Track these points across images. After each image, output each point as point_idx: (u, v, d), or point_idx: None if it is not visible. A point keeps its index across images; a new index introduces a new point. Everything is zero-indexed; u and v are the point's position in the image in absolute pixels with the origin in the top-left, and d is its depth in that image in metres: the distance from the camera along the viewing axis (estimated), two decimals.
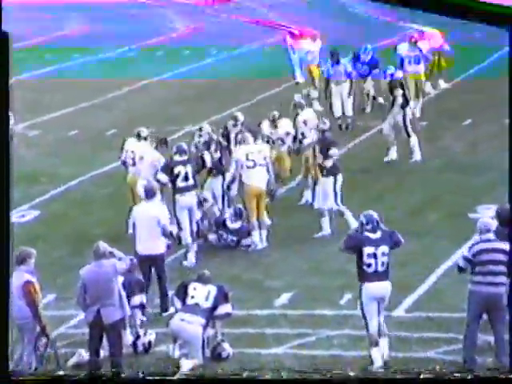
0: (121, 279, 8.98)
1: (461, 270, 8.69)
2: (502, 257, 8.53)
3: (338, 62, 16.89)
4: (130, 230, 10.32)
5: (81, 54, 25.87)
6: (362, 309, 8.71)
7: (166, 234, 10.24)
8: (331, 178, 12.02)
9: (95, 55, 25.80)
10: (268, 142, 13.02)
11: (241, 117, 13.07)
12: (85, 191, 14.35)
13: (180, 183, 11.46)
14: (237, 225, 11.87)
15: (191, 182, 11.53)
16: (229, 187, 12.18)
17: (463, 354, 8.55)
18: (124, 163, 12.39)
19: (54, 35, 29.24)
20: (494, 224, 8.79)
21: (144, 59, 25.11)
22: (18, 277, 8.62)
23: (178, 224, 11.38)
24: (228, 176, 12.06)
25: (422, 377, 7.79)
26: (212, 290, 9.01)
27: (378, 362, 8.67)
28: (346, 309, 9.70)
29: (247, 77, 21.68)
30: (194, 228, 11.55)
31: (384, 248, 8.72)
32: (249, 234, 11.84)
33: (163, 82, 21.98)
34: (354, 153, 15.35)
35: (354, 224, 11.69)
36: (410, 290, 10.13)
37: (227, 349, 9.10)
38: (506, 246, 8.58)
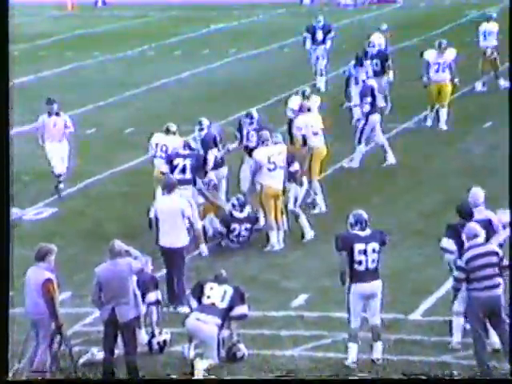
0: (135, 278, 8.98)
1: (458, 280, 8.66)
2: (494, 259, 8.56)
3: (361, 65, 16.89)
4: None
5: (100, 52, 25.94)
6: (349, 305, 8.80)
7: (192, 225, 10.25)
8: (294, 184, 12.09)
9: (114, 53, 25.85)
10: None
11: (255, 114, 13.12)
12: (102, 189, 14.37)
13: (177, 175, 11.50)
14: (244, 213, 11.87)
15: (188, 175, 11.58)
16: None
17: (476, 359, 8.50)
18: (154, 157, 12.50)
19: (76, 33, 29.34)
20: (482, 231, 8.79)
21: (162, 58, 25.15)
22: (38, 273, 8.61)
23: None
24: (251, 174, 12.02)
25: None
26: (228, 290, 8.99)
27: (352, 358, 8.76)
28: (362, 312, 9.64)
29: (265, 77, 21.64)
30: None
31: (374, 245, 8.79)
32: (257, 219, 11.87)
33: (181, 80, 21.99)
34: (372, 154, 15.28)
35: (307, 228, 11.85)
36: (427, 294, 10.07)
37: (242, 349, 9.07)
38: (495, 247, 8.66)
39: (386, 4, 33.14)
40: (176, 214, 10.18)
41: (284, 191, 11.89)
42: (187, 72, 22.90)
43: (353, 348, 8.81)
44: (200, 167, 11.83)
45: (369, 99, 14.62)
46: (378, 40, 19.00)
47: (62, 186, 13.85)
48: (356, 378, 8.22)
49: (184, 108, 18.95)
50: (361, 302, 8.80)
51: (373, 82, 15.28)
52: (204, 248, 10.71)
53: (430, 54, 16.88)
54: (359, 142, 14.63)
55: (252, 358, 9.03)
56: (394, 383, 8.32)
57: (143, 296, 9.09)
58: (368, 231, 8.87)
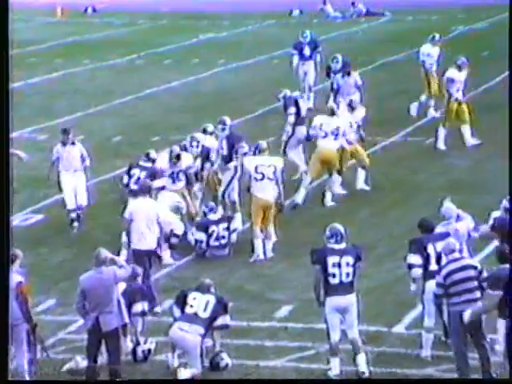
0: (122, 286, 9.00)
1: (438, 296, 8.76)
2: (472, 273, 8.64)
3: (349, 74, 16.92)
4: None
5: (90, 60, 25.95)
6: (326, 320, 8.86)
7: (161, 229, 10.47)
8: None
9: (105, 61, 25.87)
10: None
11: (228, 121, 13.19)
12: (90, 197, 14.37)
13: (133, 185, 11.91)
14: (218, 214, 12.05)
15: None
16: (223, 196, 12.43)
17: (458, 375, 8.56)
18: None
19: (66, 40, 29.34)
20: (457, 243, 8.92)
21: (151, 67, 25.19)
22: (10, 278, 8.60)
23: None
24: (232, 182, 12.36)
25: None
26: (211, 300, 9.03)
27: (335, 371, 8.82)
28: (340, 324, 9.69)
29: (254, 88, 21.71)
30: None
31: (348, 259, 8.85)
32: (230, 218, 12.08)
33: (170, 90, 22.03)
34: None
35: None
36: (411, 307, 10.12)
37: (226, 359, 9.10)
38: (473, 261, 8.76)
39: (374, 17, 33.31)
40: (151, 217, 10.39)
41: (280, 204, 11.87)
42: (176, 81, 22.94)
43: (334, 362, 8.86)
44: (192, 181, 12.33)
45: (292, 110, 14.45)
46: (429, 50, 18.29)
47: (75, 224, 12.86)
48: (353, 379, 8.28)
49: (172, 117, 18.98)
50: (337, 315, 8.85)
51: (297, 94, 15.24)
52: (167, 257, 10.89)
53: (453, 73, 16.29)
54: (284, 153, 14.39)
55: (236, 368, 9.05)
56: (393, 383, 8.38)
57: (129, 306, 9.11)
58: (343, 245, 8.94)
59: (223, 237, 11.93)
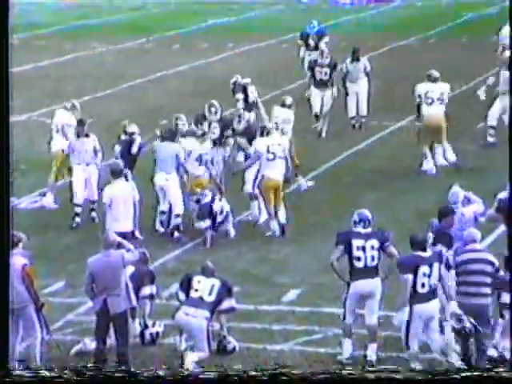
0: (130, 270, 9.03)
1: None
2: (489, 268, 8.55)
3: (358, 60, 16.88)
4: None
5: (99, 44, 25.93)
6: (345, 302, 8.83)
7: (135, 211, 10.64)
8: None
9: (114, 45, 25.86)
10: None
11: (218, 105, 13.30)
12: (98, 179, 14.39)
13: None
14: (218, 205, 11.92)
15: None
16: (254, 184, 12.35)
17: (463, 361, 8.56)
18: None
19: (74, 24, 29.32)
20: (479, 234, 8.84)
21: (161, 51, 25.16)
22: (15, 261, 8.57)
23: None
24: (246, 165, 12.47)
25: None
26: (216, 283, 9.03)
27: (346, 353, 8.82)
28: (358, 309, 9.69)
29: (263, 72, 21.68)
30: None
31: (374, 242, 8.81)
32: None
33: (179, 74, 22.01)
34: (367, 152, 15.33)
35: (260, 212, 12.10)
36: None
37: (233, 342, 9.14)
38: (492, 257, 8.63)
39: (384, 3, 33.16)
40: (128, 199, 10.57)
41: (286, 182, 12.06)
42: (185, 65, 22.91)
43: (347, 343, 8.85)
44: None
45: (240, 96, 14.58)
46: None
47: (77, 219, 12.52)
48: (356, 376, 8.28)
49: (182, 101, 18.96)
50: (358, 300, 8.84)
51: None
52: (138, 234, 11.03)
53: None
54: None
55: (243, 351, 9.09)
56: (394, 383, 8.37)
57: (138, 288, 9.14)
58: (369, 229, 8.90)
59: (226, 215, 11.97)
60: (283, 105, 13.76)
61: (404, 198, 13.52)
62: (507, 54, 15.71)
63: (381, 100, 17.24)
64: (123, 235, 10.28)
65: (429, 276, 8.46)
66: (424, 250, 8.58)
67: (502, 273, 8.61)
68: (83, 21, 30.12)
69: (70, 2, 34.47)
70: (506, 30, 16.50)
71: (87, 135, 12.82)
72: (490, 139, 14.96)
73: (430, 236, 9.04)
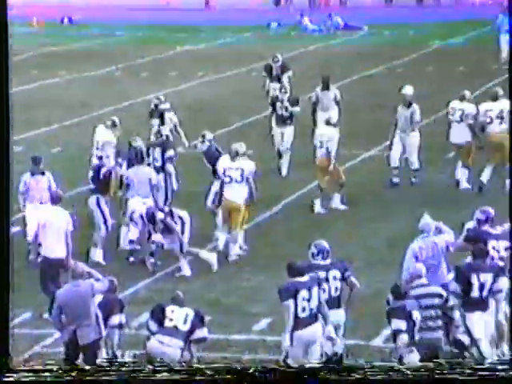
0: (98, 299, 8.95)
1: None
2: (437, 301, 8.71)
3: (328, 88, 16.96)
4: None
5: (67, 71, 25.86)
6: None
7: (67, 238, 10.61)
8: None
9: (81, 73, 25.80)
10: None
11: (209, 135, 13.28)
12: (65, 209, 14.28)
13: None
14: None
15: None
16: (213, 200, 12.54)
17: None
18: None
19: (42, 51, 29.24)
20: (424, 269, 8.93)
21: (129, 79, 25.15)
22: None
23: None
24: (213, 187, 12.53)
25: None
26: (190, 313, 9.01)
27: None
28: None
29: (232, 100, 21.74)
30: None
31: (335, 272, 8.90)
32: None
33: (147, 102, 22.00)
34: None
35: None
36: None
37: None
38: (439, 289, 8.78)
39: (352, 31, 33.52)
40: (62, 226, 10.55)
41: (246, 206, 12.08)
42: (153, 94, 22.91)
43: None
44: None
45: (155, 121, 14.84)
46: None
47: (31, 256, 12.01)
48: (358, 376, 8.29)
49: (152, 130, 18.92)
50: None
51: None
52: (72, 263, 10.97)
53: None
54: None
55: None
56: (395, 383, 8.38)
57: (107, 318, 9.05)
58: (328, 260, 8.99)
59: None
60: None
61: (374, 225, 13.56)
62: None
63: (349, 128, 17.32)
64: (60, 261, 10.30)
65: (308, 300, 8.60)
66: (301, 275, 8.71)
67: (451, 302, 8.75)
68: (50, 48, 30.06)
69: (36, 28, 34.41)
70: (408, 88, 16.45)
71: (42, 173, 12.43)
72: (394, 179, 15.02)
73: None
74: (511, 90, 9.97)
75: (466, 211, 13.07)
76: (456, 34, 31.08)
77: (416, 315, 8.53)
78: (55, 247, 10.49)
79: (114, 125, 13.82)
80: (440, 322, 8.67)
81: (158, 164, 13.24)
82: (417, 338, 8.53)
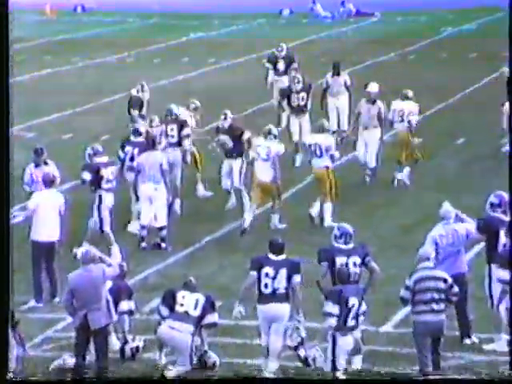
0: (108, 284, 9.00)
1: (403, 300, 8.82)
2: (442, 285, 8.70)
3: (338, 74, 16.86)
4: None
5: (79, 58, 25.91)
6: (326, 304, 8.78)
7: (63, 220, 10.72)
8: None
9: (94, 60, 25.84)
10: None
11: (176, 109, 13.86)
12: (76, 196, 14.34)
13: (104, 185, 12.08)
14: (105, 158, 12.30)
15: (111, 184, 12.10)
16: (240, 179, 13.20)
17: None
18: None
19: (55, 38, 29.29)
20: (433, 253, 9.00)
21: (142, 65, 25.17)
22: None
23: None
24: (236, 166, 13.25)
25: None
26: (200, 298, 9.03)
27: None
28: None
29: (243, 87, 21.73)
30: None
31: (355, 258, 8.92)
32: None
33: (159, 88, 22.02)
34: (348, 167, 15.36)
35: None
36: (399, 306, 10.14)
37: (213, 357, 9.12)
38: (445, 274, 8.78)
39: (364, 18, 33.39)
40: (55, 208, 10.61)
41: (274, 185, 12.46)
42: (165, 80, 22.93)
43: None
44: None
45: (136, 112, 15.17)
46: None
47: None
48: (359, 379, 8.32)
49: (162, 115, 18.95)
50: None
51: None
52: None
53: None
54: None
55: (223, 366, 9.05)
56: (394, 383, 8.43)
57: (116, 304, 9.10)
58: (351, 245, 8.99)
59: (110, 181, 12.11)
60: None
61: (384, 212, 13.55)
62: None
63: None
64: (48, 245, 10.32)
65: (273, 278, 8.71)
66: (277, 254, 8.81)
67: (455, 288, 8.76)
68: (63, 35, 30.10)
69: (49, 16, 34.47)
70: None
71: (46, 163, 12.36)
72: (366, 178, 14.86)
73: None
74: (510, 86, 9.87)
75: (477, 196, 13.08)
76: (468, 21, 30.92)
77: (353, 301, 8.48)
78: (43, 231, 10.50)
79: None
80: (443, 306, 8.68)
81: (174, 140, 13.42)
82: (351, 323, 8.47)
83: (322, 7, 34.01)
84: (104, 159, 12.34)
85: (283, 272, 8.83)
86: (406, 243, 11.99)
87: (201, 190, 14.27)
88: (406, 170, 14.44)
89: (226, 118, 13.57)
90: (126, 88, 22.02)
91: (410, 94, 14.83)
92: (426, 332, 8.64)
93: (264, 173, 12.42)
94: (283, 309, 8.81)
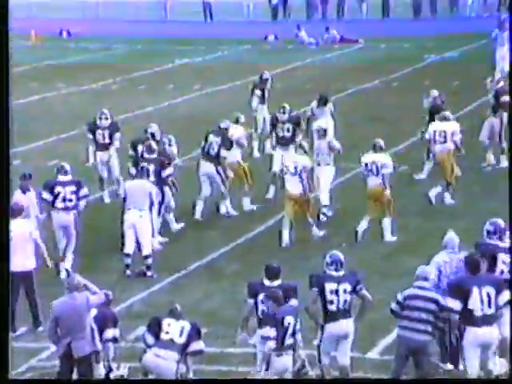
0: (93, 312, 8.97)
1: (393, 312, 8.92)
2: (432, 307, 8.74)
3: (325, 104, 16.91)
4: None
5: (65, 84, 25.93)
6: (319, 345, 8.96)
7: (37, 246, 10.65)
8: None
9: (79, 86, 25.86)
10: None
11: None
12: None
13: (59, 204, 12.12)
14: (69, 177, 12.47)
15: (70, 203, 12.13)
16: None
17: None
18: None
19: (40, 64, 29.33)
20: (433, 273, 9.02)
21: (127, 91, 25.22)
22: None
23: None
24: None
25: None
26: (186, 326, 9.02)
27: None
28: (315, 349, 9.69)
29: (228, 114, 21.79)
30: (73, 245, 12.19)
31: (346, 286, 8.97)
32: (80, 183, 12.47)
33: (144, 115, 22.06)
34: (332, 194, 15.40)
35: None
36: (384, 332, 10.16)
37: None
38: (438, 296, 8.80)
39: (348, 44, 33.64)
40: (25, 237, 10.58)
41: (304, 198, 13.00)
42: (151, 107, 22.97)
43: None
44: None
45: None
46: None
47: None
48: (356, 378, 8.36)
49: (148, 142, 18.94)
50: (333, 342, 8.96)
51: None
52: (50, 263, 10.97)
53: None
54: None
55: None
56: (393, 383, 8.45)
57: (101, 332, 9.07)
58: (341, 272, 9.05)
59: (70, 200, 12.13)
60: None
61: (370, 238, 13.58)
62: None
63: (345, 141, 17.37)
64: (26, 274, 10.35)
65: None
66: (273, 279, 9.01)
67: (445, 314, 8.78)
68: (49, 61, 30.13)
69: (34, 42, 34.50)
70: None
71: (29, 190, 12.30)
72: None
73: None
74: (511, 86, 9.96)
75: (463, 222, 13.11)
76: (452, 48, 31.18)
77: (289, 320, 8.65)
78: (17, 261, 10.37)
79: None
80: (430, 328, 8.70)
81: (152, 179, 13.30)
82: (289, 341, 8.62)
83: (306, 33, 34.24)
84: (66, 178, 12.33)
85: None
86: (389, 269, 12.02)
87: (247, 205, 14.70)
88: (437, 189, 14.85)
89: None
90: (111, 114, 22.10)
91: (449, 115, 15.35)
92: (404, 347, 8.70)
93: (293, 186, 13.02)
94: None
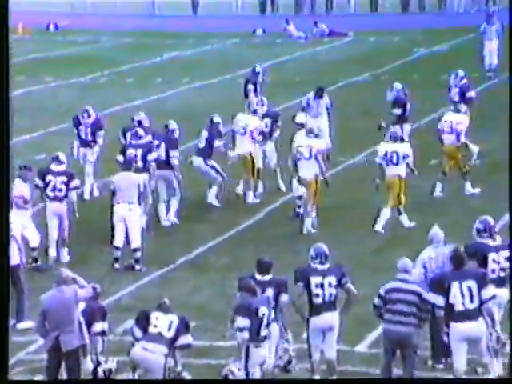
0: (82, 306, 8.94)
1: (375, 307, 8.94)
2: (413, 298, 8.76)
3: (321, 97, 16.84)
4: None
5: (52, 77, 25.82)
6: (308, 339, 8.96)
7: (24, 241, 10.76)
8: None
9: (67, 79, 25.76)
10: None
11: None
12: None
13: (49, 192, 12.13)
14: (63, 167, 12.42)
15: (60, 193, 12.12)
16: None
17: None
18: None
19: (27, 57, 29.19)
20: (411, 265, 9.02)
21: (115, 85, 25.13)
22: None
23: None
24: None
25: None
26: (174, 319, 9.00)
27: None
28: (305, 342, 9.70)
29: (217, 107, 21.75)
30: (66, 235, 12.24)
31: (331, 279, 8.96)
32: (73, 175, 12.49)
33: (132, 108, 21.99)
34: (323, 188, 15.40)
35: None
36: (373, 326, 10.16)
37: (187, 378, 9.07)
38: (419, 288, 8.80)
39: (337, 38, 33.61)
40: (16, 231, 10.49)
41: (315, 181, 13.20)
42: (139, 100, 22.90)
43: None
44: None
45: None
46: None
47: (34, 264, 12.16)
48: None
49: None
50: (320, 335, 8.95)
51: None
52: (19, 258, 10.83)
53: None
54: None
55: None
56: (391, 383, 8.47)
57: (89, 325, 9.04)
58: (327, 265, 9.03)
59: (60, 190, 12.11)
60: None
61: (358, 232, 13.59)
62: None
63: (335, 135, 17.37)
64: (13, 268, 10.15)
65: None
66: (264, 273, 8.98)
67: (428, 306, 8.77)
68: (36, 54, 29.99)
69: (22, 34, 34.33)
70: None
71: (27, 179, 12.28)
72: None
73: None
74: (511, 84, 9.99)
75: (448, 218, 13.11)
76: (440, 41, 31.21)
77: (263, 311, 8.64)
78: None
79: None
80: (413, 320, 8.71)
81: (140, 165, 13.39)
82: (264, 333, 8.59)
83: (295, 27, 34.20)
84: (59, 168, 12.25)
85: (270, 292, 8.86)
86: (379, 263, 12.03)
87: (251, 197, 14.73)
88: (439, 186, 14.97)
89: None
90: (99, 108, 22.03)
91: (463, 108, 15.41)
92: (389, 340, 8.72)
93: (307, 170, 13.19)
94: (272, 329, 8.81)
